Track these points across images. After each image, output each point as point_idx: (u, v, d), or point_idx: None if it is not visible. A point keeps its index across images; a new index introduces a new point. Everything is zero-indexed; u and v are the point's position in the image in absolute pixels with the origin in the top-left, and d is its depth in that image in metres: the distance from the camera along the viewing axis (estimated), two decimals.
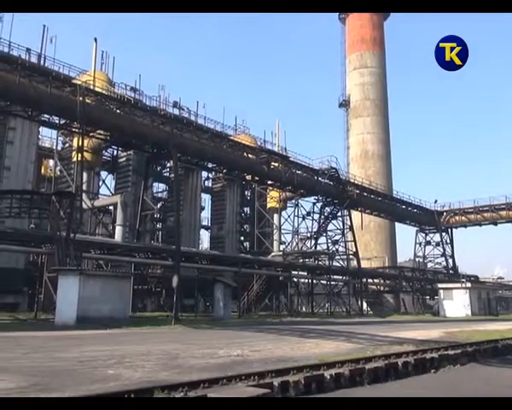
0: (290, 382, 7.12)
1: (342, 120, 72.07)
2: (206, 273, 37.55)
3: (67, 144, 39.30)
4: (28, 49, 33.22)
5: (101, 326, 19.33)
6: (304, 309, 47.76)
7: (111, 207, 38.15)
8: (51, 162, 42.35)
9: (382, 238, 65.29)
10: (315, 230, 47.53)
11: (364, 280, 49.22)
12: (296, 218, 48.90)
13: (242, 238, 52.63)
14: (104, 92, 31.63)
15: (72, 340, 14.86)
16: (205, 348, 12.42)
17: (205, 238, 53.17)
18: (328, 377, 7.74)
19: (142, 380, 7.26)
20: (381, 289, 57.66)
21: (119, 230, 31.41)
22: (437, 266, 63.10)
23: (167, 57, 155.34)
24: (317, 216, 47.78)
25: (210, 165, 37.90)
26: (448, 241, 62.77)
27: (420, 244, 63.21)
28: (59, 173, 38.80)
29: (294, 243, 48.63)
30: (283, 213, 52.30)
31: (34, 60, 33.43)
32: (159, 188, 48.14)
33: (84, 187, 34.66)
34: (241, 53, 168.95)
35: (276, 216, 51.79)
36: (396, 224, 65.25)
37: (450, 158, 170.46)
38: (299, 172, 42.23)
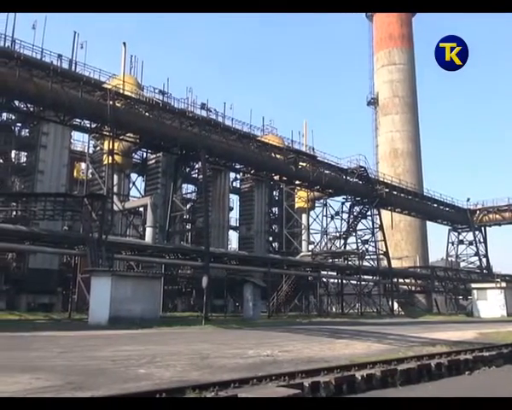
0: (321, 382, 7.06)
1: (370, 118, 71.38)
2: (236, 274, 37.73)
3: (98, 148, 40.10)
4: (60, 56, 34.14)
5: (133, 326, 19.62)
6: (333, 310, 47.40)
7: (141, 209, 38.67)
8: (83, 165, 43.23)
9: (413, 238, 64.20)
10: (344, 229, 47.17)
11: (395, 280, 48.51)
12: (325, 218, 48.74)
13: (271, 239, 52.59)
14: (133, 96, 32.13)
15: (105, 339, 15.13)
16: (235, 348, 12.46)
17: (233, 239, 53.38)
18: (360, 378, 7.65)
19: (174, 380, 7.33)
20: (413, 289, 56.72)
21: (149, 231, 31.80)
22: (470, 265, 61.70)
23: (194, 59, 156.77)
24: (345, 216, 47.48)
25: (238, 166, 38.06)
26: (481, 240, 61.31)
27: (452, 243, 61.94)
28: (91, 176, 39.59)
29: (323, 243, 48.39)
30: (312, 212, 52.06)
31: (66, 66, 34.30)
32: (188, 189, 48.58)
33: (115, 189, 35.25)
34: (267, 53, 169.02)
35: (304, 216, 51.55)
36: (427, 223, 64.09)
37: (483, 155, 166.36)
38: (328, 171, 41.97)
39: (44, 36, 40.60)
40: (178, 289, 39.14)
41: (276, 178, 41.45)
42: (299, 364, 9.17)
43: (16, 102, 27.64)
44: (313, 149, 47.43)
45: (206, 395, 6.01)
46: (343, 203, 47.33)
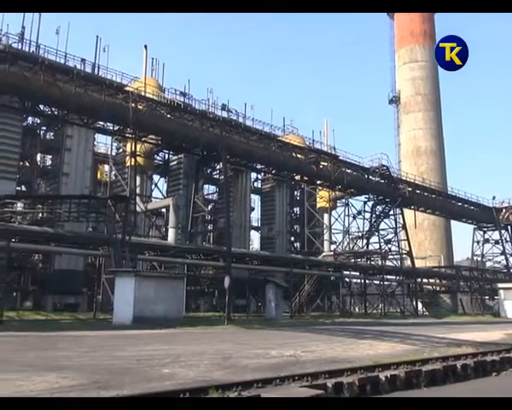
0: (344, 383, 7.03)
1: (392, 116, 70.53)
2: (258, 274, 37.74)
3: (121, 150, 40.61)
4: (83, 60, 34.61)
5: (157, 326, 19.81)
6: (356, 310, 47.03)
7: (163, 210, 39.00)
8: (106, 167, 43.80)
9: (437, 237, 63.24)
10: (366, 229, 46.75)
11: (419, 280, 47.85)
12: (347, 217, 48.39)
13: (293, 239, 52.47)
14: (155, 98, 32.44)
15: (129, 339, 15.32)
16: (257, 348, 12.47)
17: (255, 239, 53.43)
18: (384, 378, 7.59)
19: (197, 379, 7.38)
20: (437, 289, 55.89)
21: (171, 232, 32.06)
22: (496, 265, 60.50)
23: (215, 60, 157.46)
24: (368, 215, 47.01)
25: (259, 166, 38.09)
26: (508, 238, 60.05)
27: (478, 242, 60.77)
28: (114, 178, 40.10)
29: (345, 243, 48.04)
30: (333, 212, 51.69)
31: (89, 69, 34.81)
32: (209, 190, 48.80)
33: (138, 191, 35.63)
34: (287, 53, 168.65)
35: (326, 216, 51.27)
36: (452, 222, 63.07)
37: (509, 152, 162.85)
38: (349, 170, 41.68)
39: (68, 41, 41.48)
40: (201, 290, 39.35)
41: (298, 177, 41.35)
42: (322, 364, 9.13)
43: (41, 106, 28.21)
44: (334, 148, 47.13)
45: (229, 395, 6.04)
46: (365, 203, 46.94)
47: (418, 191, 48.93)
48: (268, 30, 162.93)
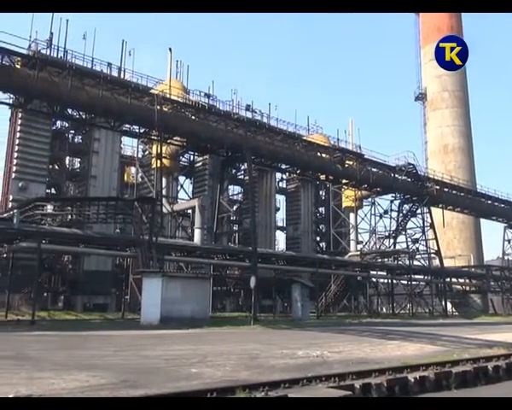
0: (372, 384, 6.95)
1: (419, 114, 69.51)
2: (283, 274, 37.71)
3: (147, 152, 41.14)
4: (109, 64, 35.34)
5: (184, 326, 19.98)
6: (384, 310, 46.52)
7: (189, 211, 39.29)
8: (133, 169, 44.44)
9: (466, 236, 61.97)
10: (393, 228, 46.18)
11: (448, 280, 47.04)
12: (373, 216, 47.93)
13: (318, 238, 52.25)
14: (180, 100, 32.73)
15: (157, 339, 15.49)
16: (284, 348, 12.45)
17: (280, 239, 53.38)
18: (413, 380, 7.47)
19: (224, 379, 7.41)
20: (467, 289, 54.79)
21: (197, 232, 32.30)
22: None
23: (238, 61, 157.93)
24: (395, 214, 46.45)
25: (283, 166, 38.02)
26: None
27: (509, 241, 59.27)
28: (140, 180, 40.63)
29: (372, 243, 47.56)
30: (359, 211, 51.22)
31: (115, 73, 35.45)
32: (234, 190, 49.05)
33: (164, 192, 36.03)
34: (310, 52, 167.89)
35: (352, 215, 50.85)
36: (481, 220, 61.71)
37: None
38: (375, 169, 41.24)
39: (94, 45, 42.37)
40: (227, 290, 39.54)
41: (323, 177, 41.11)
42: (349, 365, 9.06)
43: (69, 110, 28.79)
44: (360, 147, 46.75)
45: (255, 395, 6.04)
46: (392, 202, 46.39)
47: (446, 189, 48.06)
48: (290, 29, 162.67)
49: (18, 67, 25.12)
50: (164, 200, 34.35)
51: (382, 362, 9.47)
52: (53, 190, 36.62)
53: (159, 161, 32.46)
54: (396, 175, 42.42)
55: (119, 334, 17.19)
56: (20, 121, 30.99)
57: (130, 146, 44.80)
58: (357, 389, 6.70)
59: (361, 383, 6.90)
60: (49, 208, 29.76)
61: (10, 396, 5.61)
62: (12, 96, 25.82)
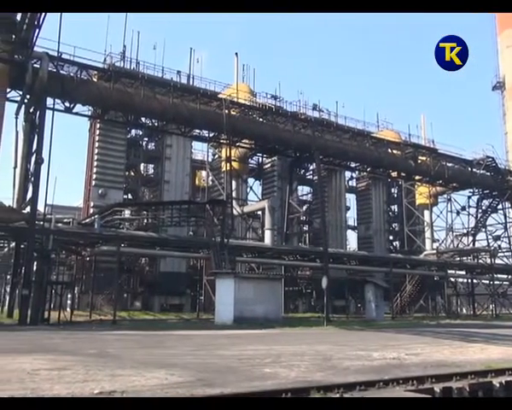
0: (453, 388, 6.63)
1: (497, 104, 65.61)
2: (356, 274, 37.07)
3: (217, 155, 42.00)
4: (179, 72, 36.54)
5: (257, 326, 20.17)
6: (464, 311, 44.40)
7: (259, 212, 39.67)
8: (204, 173, 45.51)
9: None
10: (472, 225, 44.01)
11: None
12: (449, 213, 45.99)
13: (391, 237, 50.82)
14: (247, 103, 33.13)
15: (231, 339, 15.73)
16: (358, 349, 12.22)
17: (352, 239, 52.46)
18: (498, 385, 7.05)
19: (298, 380, 7.38)
20: None
21: (267, 233, 32.52)
22: None
23: (303, 60, 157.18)
24: (473, 210, 44.32)
25: (353, 164, 37.38)
26: None
27: None
28: (211, 183, 41.57)
29: (449, 241, 45.66)
30: (434, 209, 49.23)
31: (184, 80, 36.56)
32: (303, 191, 48.84)
33: (234, 194, 36.59)
34: (377, 50, 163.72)
35: (426, 213, 48.98)
36: None
37: None
38: (450, 164, 39.54)
39: (164, 54, 43.76)
40: (299, 290, 39.45)
41: (394, 174, 39.96)
42: (427, 368, 8.72)
43: (142, 119, 30.08)
44: (433, 141, 44.95)
45: (330, 396, 5.97)
46: (469, 197, 44.33)
47: None
48: (357, 26, 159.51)
49: (95, 80, 26.58)
50: (234, 202, 34.89)
51: (464, 366, 9.04)
52: (129, 196, 38.31)
53: (228, 164, 33.05)
54: (474, 169, 40.41)
55: (194, 334, 17.64)
56: (98, 132, 32.79)
57: (200, 151, 45.97)
58: (437, 393, 6.43)
59: (441, 386, 6.61)
60: (127, 213, 31.17)
61: (95, 392, 5.93)
62: (91, 108, 27.36)
